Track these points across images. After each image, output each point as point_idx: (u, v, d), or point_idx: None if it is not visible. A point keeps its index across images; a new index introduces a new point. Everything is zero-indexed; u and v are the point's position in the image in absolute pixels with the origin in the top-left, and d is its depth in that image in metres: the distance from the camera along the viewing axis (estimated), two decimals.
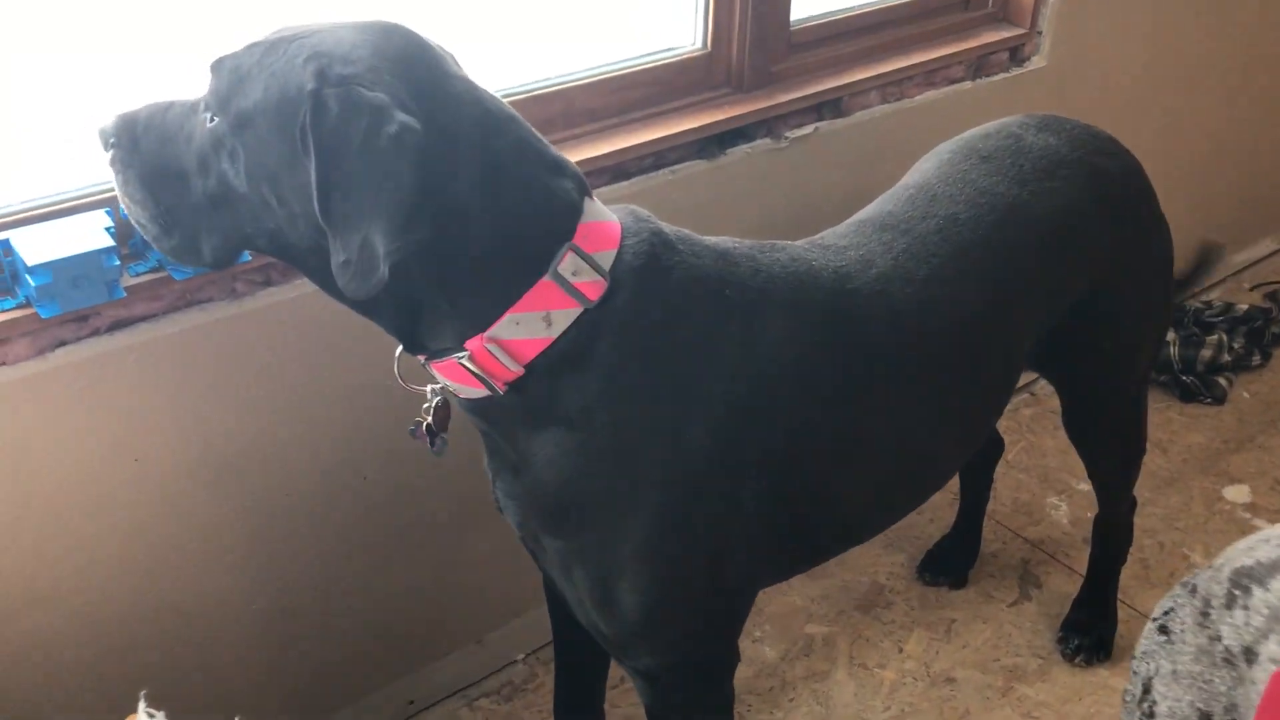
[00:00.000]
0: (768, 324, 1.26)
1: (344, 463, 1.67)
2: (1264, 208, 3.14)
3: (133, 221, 1.22)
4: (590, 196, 1.21)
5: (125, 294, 1.37)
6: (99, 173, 1.41)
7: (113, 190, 1.37)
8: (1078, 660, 2.06)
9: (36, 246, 1.31)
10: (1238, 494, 2.46)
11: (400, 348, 1.27)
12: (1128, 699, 1.26)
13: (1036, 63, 2.26)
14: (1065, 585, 2.23)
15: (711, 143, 1.88)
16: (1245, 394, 2.78)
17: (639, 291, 1.19)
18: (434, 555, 1.84)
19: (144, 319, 1.43)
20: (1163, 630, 1.21)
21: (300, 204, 1.11)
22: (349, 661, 1.83)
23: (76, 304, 1.33)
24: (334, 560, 1.73)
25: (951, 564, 2.22)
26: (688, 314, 1.22)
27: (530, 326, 1.15)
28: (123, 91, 1.34)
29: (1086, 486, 2.46)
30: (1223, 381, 2.75)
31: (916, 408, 1.39)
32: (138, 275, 1.40)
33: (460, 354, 1.17)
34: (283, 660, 1.75)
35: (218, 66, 1.15)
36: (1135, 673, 1.24)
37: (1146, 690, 1.20)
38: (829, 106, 2.00)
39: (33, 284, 1.30)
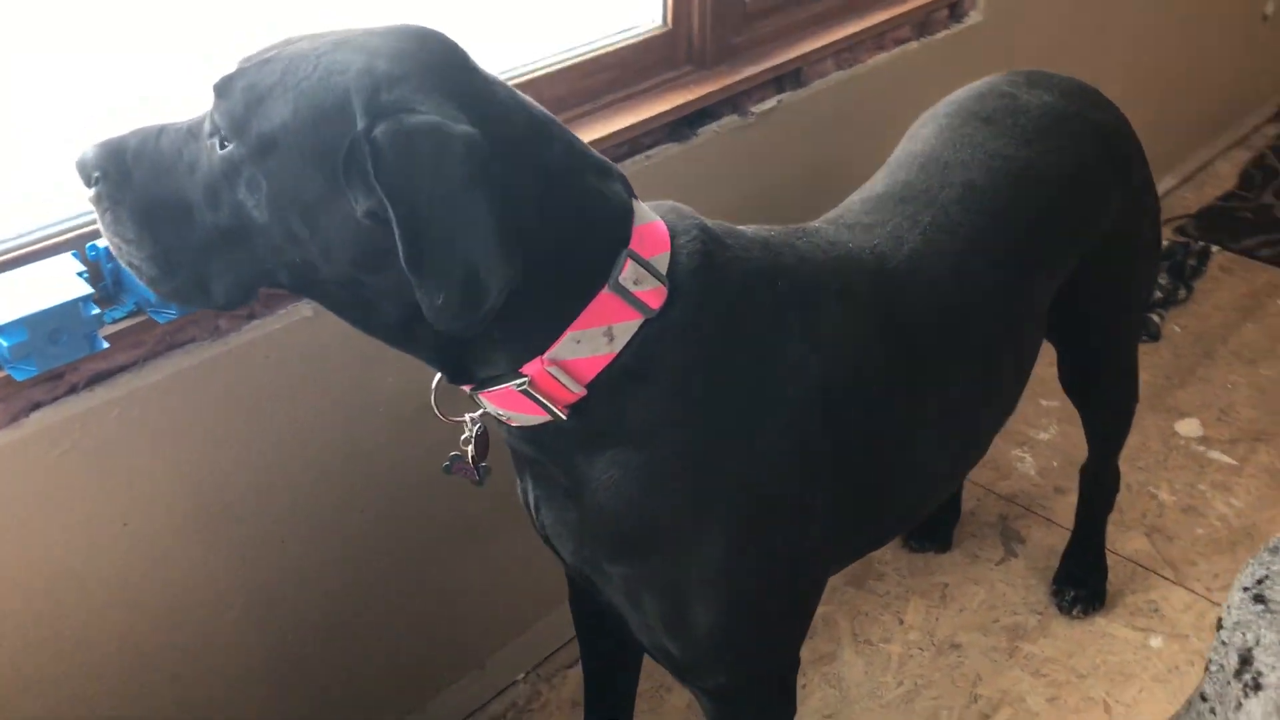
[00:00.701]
0: (823, 314, 1.20)
1: (340, 499, 1.55)
2: (1168, 142, 3.22)
3: (124, 263, 1.07)
4: (635, 197, 1.12)
5: (107, 345, 1.22)
6: (61, 210, 1.26)
7: (79, 229, 1.24)
8: (1075, 612, 2.07)
9: (2, 301, 1.16)
10: (1189, 428, 2.52)
11: (437, 377, 1.17)
12: (1215, 669, 1.24)
13: (974, 18, 2.25)
14: (1047, 537, 2.24)
15: (682, 124, 1.80)
16: (1176, 328, 2.84)
17: (699, 294, 1.10)
18: (433, 584, 1.74)
19: (124, 369, 1.29)
20: (1258, 599, 1.19)
21: (337, 235, 0.99)
22: (353, 704, 1.71)
23: (55, 361, 1.18)
24: (334, 602, 1.61)
25: (936, 528, 2.21)
26: (748, 312, 1.15)
27: (592, 343, 1.06)
28: (83, 106, 1.20)
29: (1046, 436, 2.49)
30: (1155, 318, 2.81)
31: (963, 381, 1.36)
32: (115, 322, 1.25)
33: (518, 381, 1.06)
34: (286, 712, 1.62)
35: (228, 86, 1.01)
36: (1226, 644, 1.22)
37: (1246, 661, 1.18)
38: (789, 78, 1.94)
39: (5, 344, 1.15)
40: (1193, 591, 2.12)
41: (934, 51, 2.18)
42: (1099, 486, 2.02)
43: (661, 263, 1.09)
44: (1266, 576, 1.19)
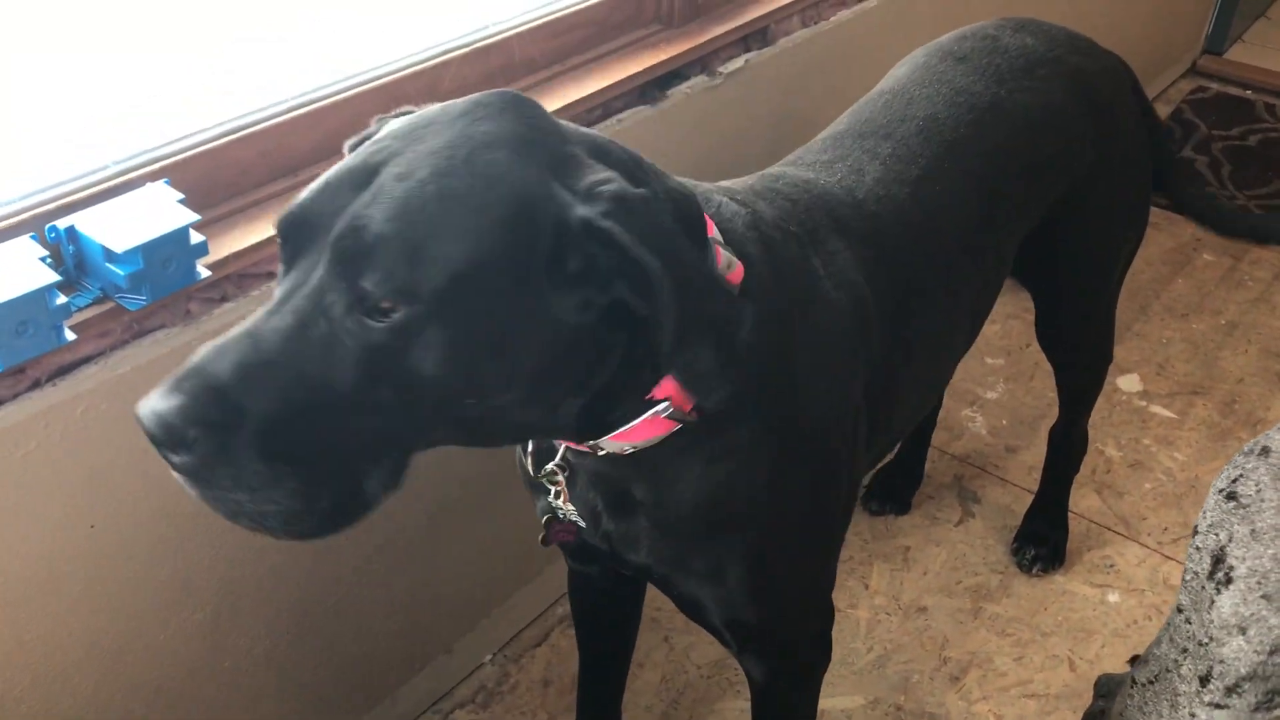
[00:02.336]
0: (832, 252, 1.21)
1: None
2: None
3: (248, 523, 0.85)
4: None
5: (74, 336, 1.11)
6: (14, 188, 1.14)
7: (37, 208, 1.13)
8: (1035, 570, 2.09)
9: None
10: (1130, 384, 2.56)
11: (530, 445, 1.15)
12: (1190, 578, 1.27)
13: None
14: (1002, 497, 2.26)
15: (652, 86, 1.74)
16: None
17: (757, 258, 1.08)
18: (405, 573, 1.67)
19: (89, 360, 1.19)
20: (1230, 497, 1.23)
21: (527, 350, 0.89)
22: (325, 701, 1.64)
23: (21, 356, 1.08)
24: (305, 598, 1.53)
25: (896, 491, 2.21)
26: (787, 263, 1.13)
27: None
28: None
29: (994, 395, 2.51)
30: None
31: (937, 304, 1.37)
32: (80, 310, 1.15)
33: (662, 406, 0.99)
34: (258, 710, 1.54)
35: (362, 249, 0.83)
36: (1199, 549, 1.25)
37: (1219, 560, 1.22)
38: (756, 37, 1.89)
39: None
40: (1145, 546, 2.16)
41: (891, 6, 2.14)
42: (1066, 447, 2.04)
43: (718, 239, 1.04)
44: (1240, 475, 1.23)
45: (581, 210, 0.86)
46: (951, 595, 2.07)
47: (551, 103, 1.57)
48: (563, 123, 0.97)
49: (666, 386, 0.99)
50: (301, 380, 0.83)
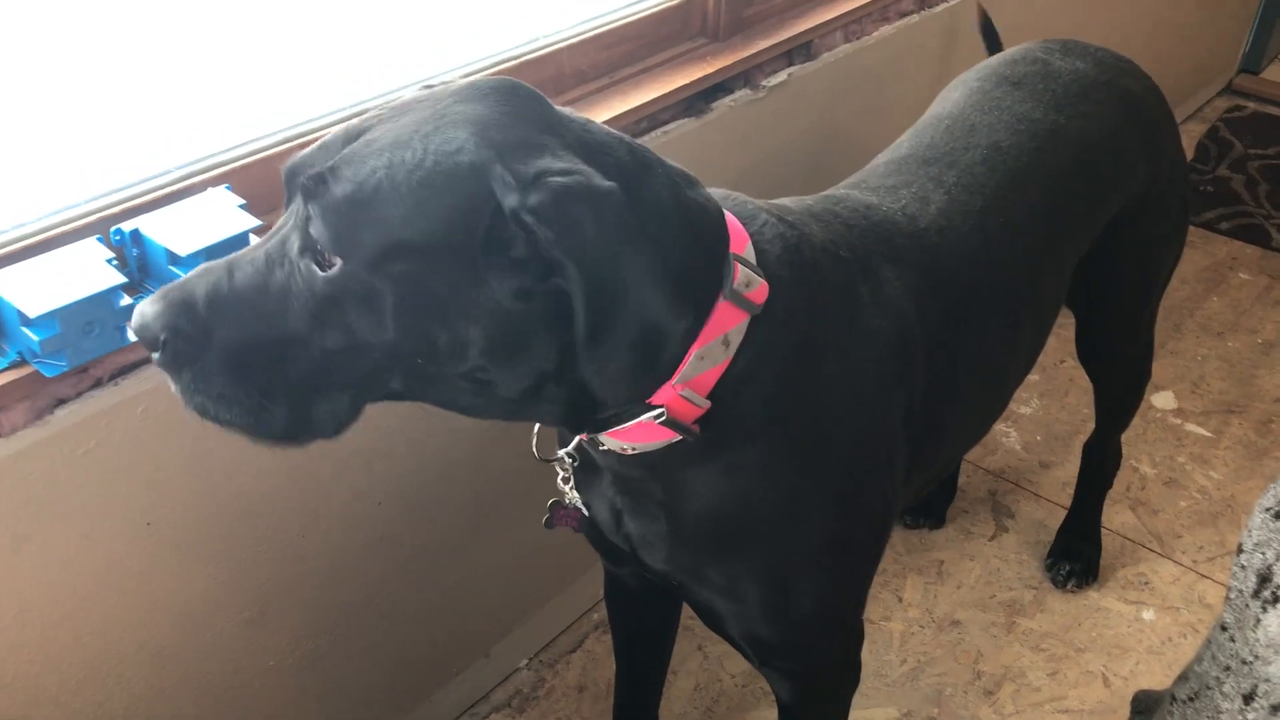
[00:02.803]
0: (883, 280, 1.20)
1: (357, 491, 1.49)
2: None
3: (212, 422, 0.94)
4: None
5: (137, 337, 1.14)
6: (81, 191, 1.17)
7: (103, 211, 1.16)
8: (1069, 586, 2.09)
9: (29, 291, 1.07)
10: (1165, 401, 2.56)
11: (537, 426, 1.13)
12: (1234, 595, 1.27)
13: None
14: (1036, 512, 2.26)
15: (697, 98, 1.75)
16: None
17: (789, 279, 1.08)
18: (444, 575, 1.69)
19: (149, 361, 1.21)
20: (1279, 516, 1.22)
21: (471, 325, 0.91)
22: (364, 701, 1.66)
23: (87, 355, 1.10)
24: (347, 600, 1.55)
25: (931, 504, 2.21)
26: (827, 287, 1.13)
27: (713, 355, 1.01)
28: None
29: (1029, 410, 2.51)
30: None
31: (993, 335, 1.37)
32: None
33: (654, 413, 1.00)
34: (298, 709, 1.56)
35: (318, 197, 0.89)
36: (1243, 566, 1.25)
37: (1265, 579, 1.21)
38: (800, 51, 1.90)
39: (35, 338, 1.06)
40: (1180, 564, 2.15)
41: (934, 23, 2.15)
42: (1101, 463, 2.04)
43: (750, 256, 1.05)
44: None
45: (513, 199, 0.87)
46: (985, 609, 2.07)
47: (600, 114, 1.59)
48: (562, 114, 0.97)
49: (663, 394, 1.00)
50: (259, 313, 0.91)
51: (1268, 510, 1.26)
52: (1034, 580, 2.13)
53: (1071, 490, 2.16)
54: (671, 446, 1.04)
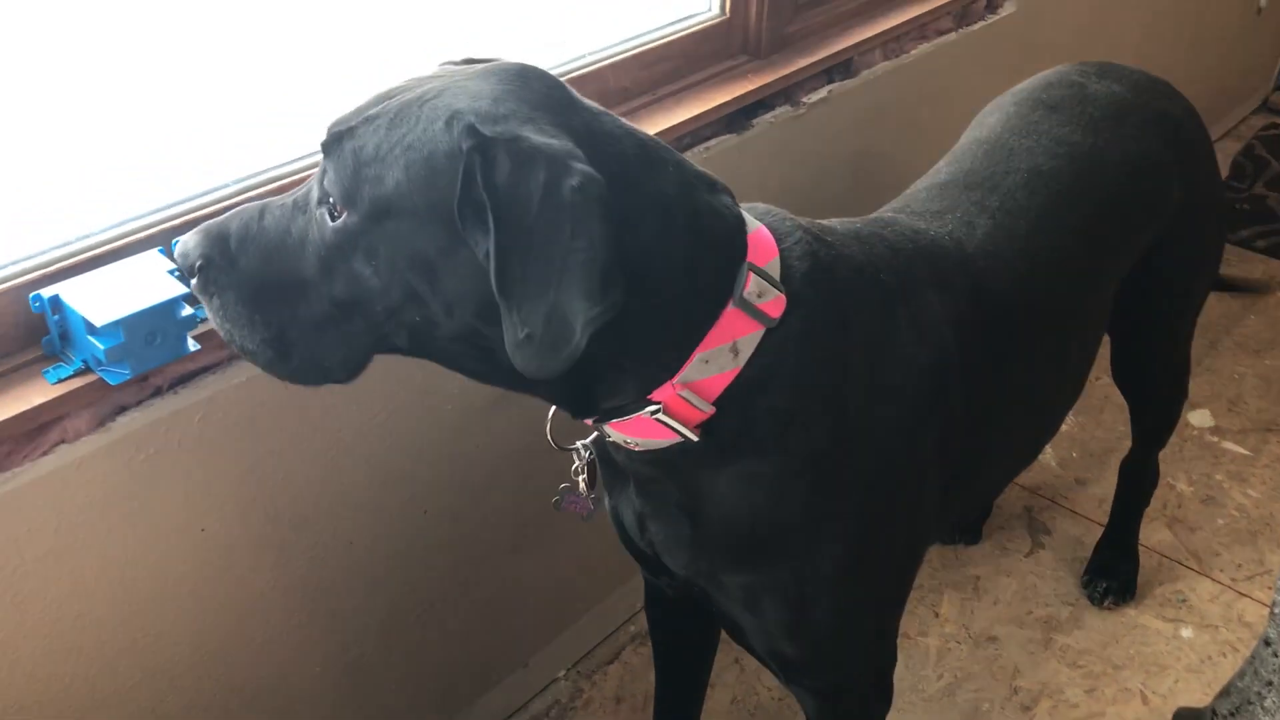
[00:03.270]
0: (925, 304, 1.20)
1: (405, 499, 1.51)
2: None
3: (236, 348, 1.02)
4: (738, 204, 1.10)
5: (198, 346, 1.17)
6: (142, 203, 1.20)
7: (165, 223, 1.19)
8: (1106, 603, 2.09)
9: (95, 301, 1.10)
10: (1201, 419, 2.55)
11: (552, 411, 1.15)
12: (1278, 610, 1.27)
13: (1008, 9, 2.24)
14: (1072, 528, 2.26)
15: (738, 115, 1.77)
16: None
17: (814, 298, 1.08)
18: (485, 585, 1.71)
19: (208, 370, 1.24)
20: None
21: (459, 287, 0.94)
22: (405, 709, 1.68)
23: (150, 364, 1.13)
24: (392, 608, 1.57)
25: (969, 520, 2.21)
26: (859, 309, 1.13)
27: (719, 361, 1.03)
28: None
29: (1064, 427, 2.50)
30: None
31: (1039, 362, 1.37)
32: (203, 321, 1.19)
33: (651, 408, 1.03)
34: (341, 717, 1.58)
35: (334, 149, 0.96)
36: None
37: None
38: (839, 69, 1.92)
39: (101, 346, 1.09)
40: (1218, 582, 2.14)
41: (972, 42, 2.17)
42: (1138, 480, 2.04)
43: (774, 269, 1.06)
44: None
45: (478, 153, 0.89)
46: (1022, 625, 2.07)
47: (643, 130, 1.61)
48: (576, 101, 0.99)
49: (663, 392, 1.02)
50: (280, 253, 0.99)
51: None
52: (1071, 597, 2.12)
53: (1108, 507, 2.16)
54: (680, 448, 1.06)
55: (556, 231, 0.88)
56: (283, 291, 0.99)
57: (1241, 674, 1.38)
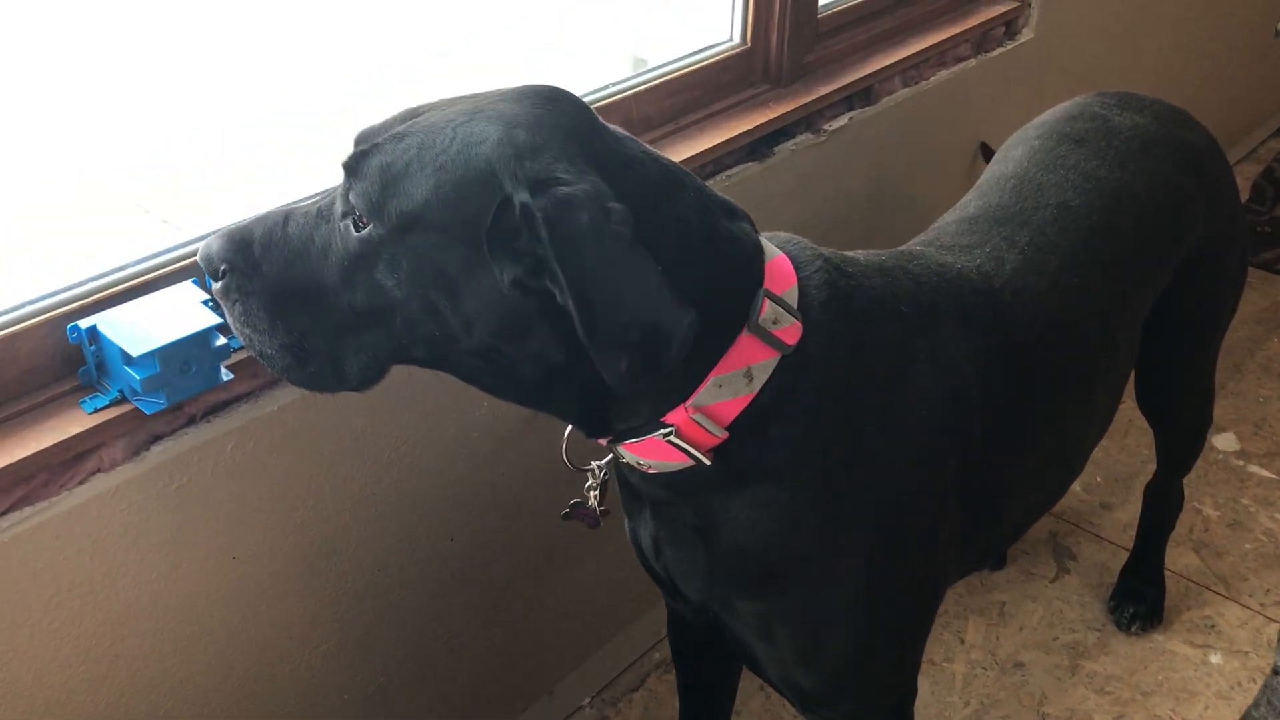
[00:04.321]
0: (947, 338, 1.20)
1: (432, 527, 1.52)
2: None
3: (254, 353, 1.04)
4: (759, 232, 1.11)
5: (231, 376, 1.18)
6: (173, 236, 1.22)
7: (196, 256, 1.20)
8: (1133, 629, 2.07)
9: (131, 331, 1.11)
10: (1226, 443, 2.54)
11: (568, 430, 1.16)
12: None
13: (1026, 35, 2.25)
14: (1098, 554, 2.25)
15: (760, 143, 1.79)
16: None
17: (831, 327, 1.09)
18: (510, 613, 1.71)
19: (240, 400, 1.25)
20: None
21: (478, 306, 0.97)
22: None
23: (185, 393, 1.15)
24: (418, 635, 1.58)
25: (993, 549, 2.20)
26: (878, 340, 1.14)
27: (732, 386, 1.04)
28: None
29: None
30: None
31: (1067, 397, 1.37)
32: (236, 351, 1.21)
33: (663, 430, 1.04)
34: None
35: (359, 166, 0.98)
36: None
37: None
38: (859, 96, 1.93)
39: (136, 376, 1.10)
40: (1247, 608, 2.13)
41: (991, 68, 2.18)
42: (1163, 505, 2.03)
43: (791, 297, 1.07)
44: None
45: (523, 195, 0.92)
46: (1049, 651, 2.06)
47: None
48: (601, 126, 1.01)
49: (676, 414, 1.03)
50: (303, 260, 1.01)
51: None
52: (1097, 622, 2.11)
53: (1133, 532, 2.15)
54: (693, 471, 1.07)
55: (616, 264, 0.91)
56: (304, 298, 1.01)
57: (1256, 704, 1.37)
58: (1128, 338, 1.49)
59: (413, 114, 1.01)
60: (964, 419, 1.20)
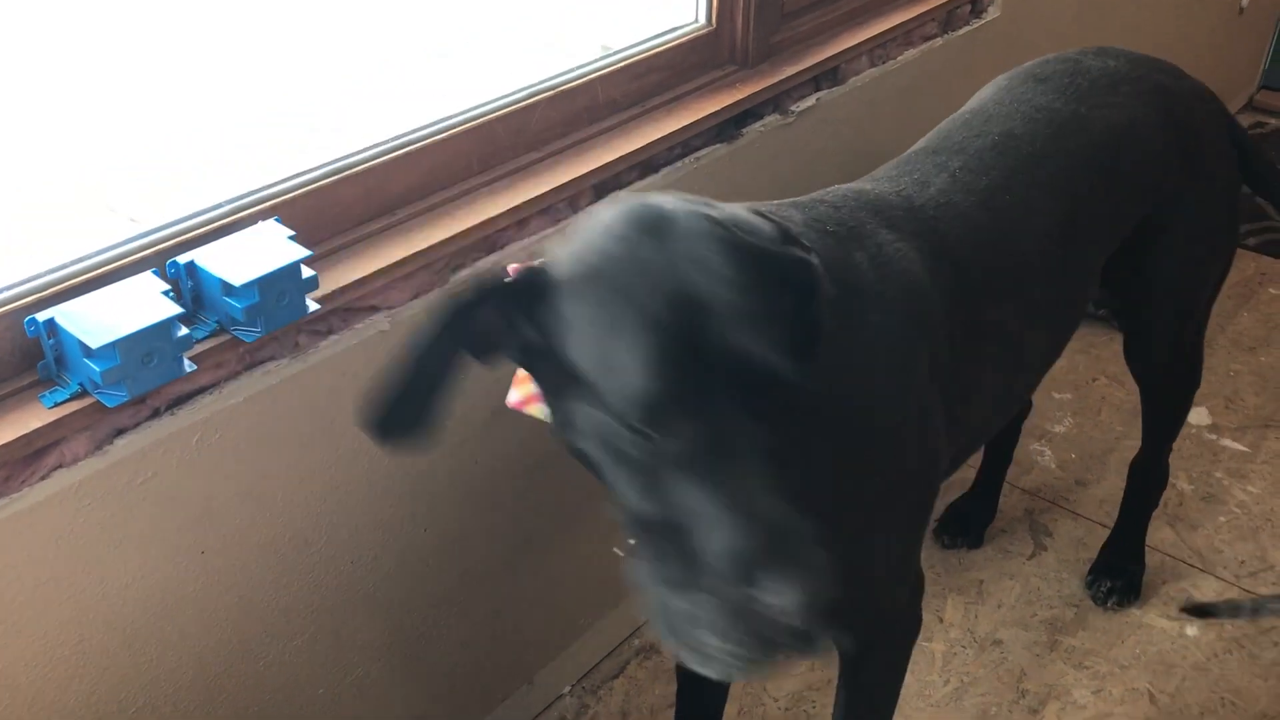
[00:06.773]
0: (881, 244, 1.23)
1: (404, 517, 1.50)
2: None
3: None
4: None
5: (195, 367, 1.16)
6: (135, 226, 1.20)
7: (159, 245, 1.19)
8: (1110, 603, 2.08)
9: (91, 323, 1.09)
10: (1199, 417, 2.55)
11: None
12: None
13: (992, 13, 2.25)
14: (1074, 530, 2.26)
15: (728, 125, 1.78)
16: None
17: None
18: (488, 602, 1.70)
19: (205, 391, 1.23)
20: None
21: None
22: None
23: (147, 386, 1.12)
24: (394, 628, 1.56)
25: (971, 524, 2.21)
26: (834, 269, 1.13)
27: None
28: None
29: (1062, 429, 2.51)
30: None
31: (1013, 307, 1.38)
32: (199, 341, 1.19)
33: None
34: None
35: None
36: None
37: None
38: (827, 76, 1.93)
39: (97, 368, 1.09)
40: (1222, 579, 2.14)
41: (957, 46, 2.18)
42: (1148, 480, 2.02)
43: None
44: None
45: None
46: (1027, 628, 2.06)
47: (633, 142, 1.61)
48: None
49: None
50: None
51: None
52: (1075, 598, 2.12)
53: (1109, 507, 2.15)
54: None
55: None
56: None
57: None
58: (1078, 266, 1.48)
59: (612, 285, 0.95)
60: (923, 314, 1.23)
